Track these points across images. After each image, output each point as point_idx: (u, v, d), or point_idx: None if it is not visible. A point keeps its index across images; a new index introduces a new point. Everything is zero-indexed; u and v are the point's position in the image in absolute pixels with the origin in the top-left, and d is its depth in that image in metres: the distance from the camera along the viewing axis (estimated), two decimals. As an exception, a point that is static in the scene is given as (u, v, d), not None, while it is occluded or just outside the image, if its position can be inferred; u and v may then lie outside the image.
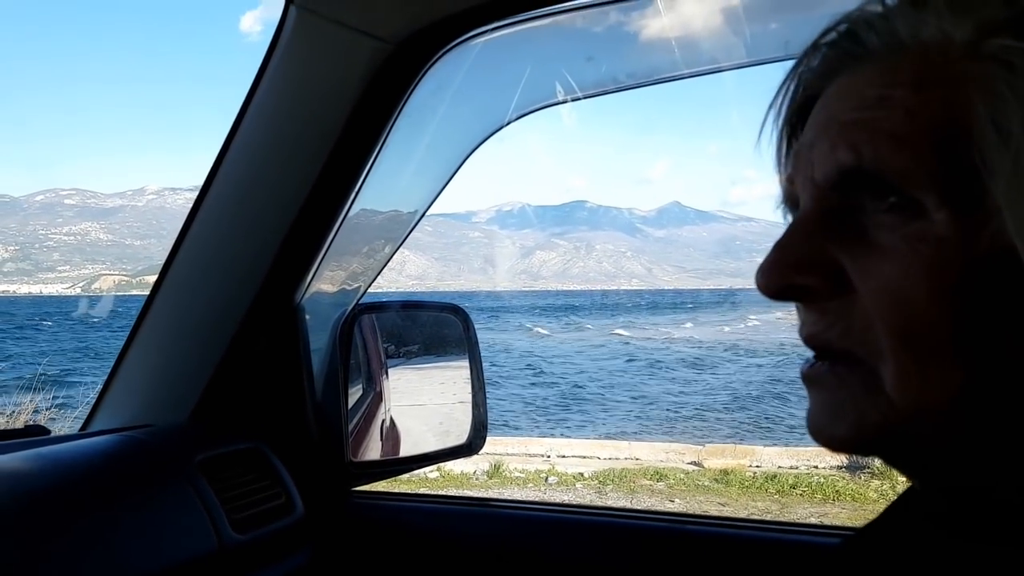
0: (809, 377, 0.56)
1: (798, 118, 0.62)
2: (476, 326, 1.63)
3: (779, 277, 0.55)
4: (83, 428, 1.52)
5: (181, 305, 1.42)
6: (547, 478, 9.80)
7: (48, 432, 1.36)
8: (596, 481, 9.67)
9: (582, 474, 9.91)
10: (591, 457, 10.70)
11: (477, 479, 9.78)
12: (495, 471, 9.90)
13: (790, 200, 0.62)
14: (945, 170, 0.48)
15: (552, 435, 13.27)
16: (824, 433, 0.55)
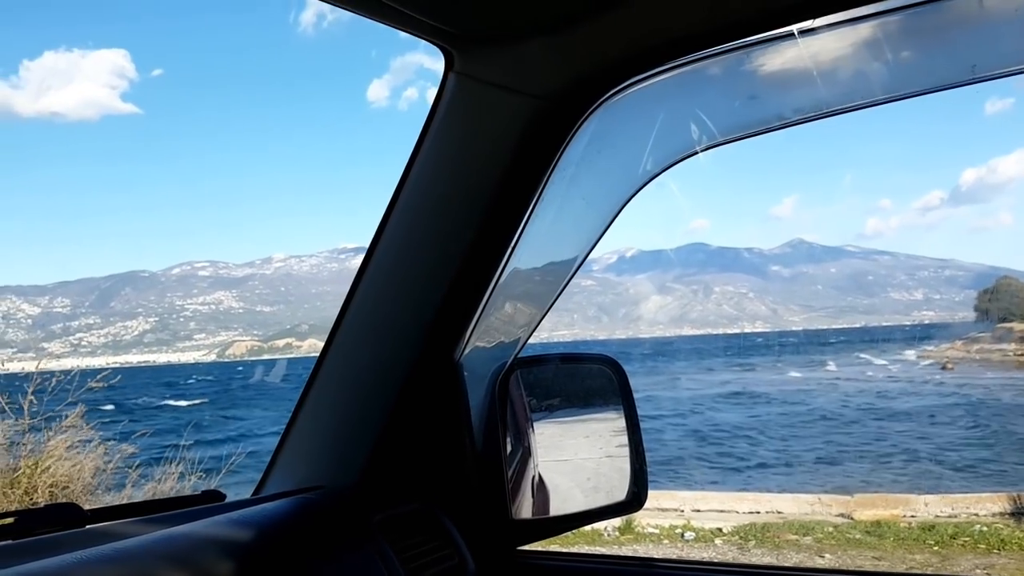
0: None
1: None
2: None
3: None
4: (256, 492, 1.56)
5: (348, 367, 1.45)
6: (683, 534, 9.43)
7: (223, 497, 1.41)
8: (737, 536, 9.22)
9: (720, 529, 9.48)
10: (729, 511, 10.24)
11: (608, 535, 9.52)
12: (627, 527, 9.61)
13: None
14: None
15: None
16: None
